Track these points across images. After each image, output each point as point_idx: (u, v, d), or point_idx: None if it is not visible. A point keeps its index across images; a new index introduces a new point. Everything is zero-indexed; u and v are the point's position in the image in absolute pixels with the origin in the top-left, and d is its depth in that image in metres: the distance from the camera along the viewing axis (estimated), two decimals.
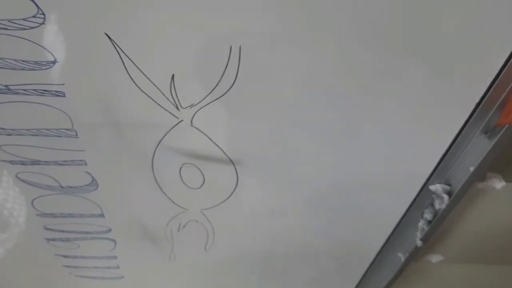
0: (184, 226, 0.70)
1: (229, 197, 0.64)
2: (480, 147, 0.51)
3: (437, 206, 0.59)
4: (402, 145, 0.54)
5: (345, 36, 0.43)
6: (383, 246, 0.70)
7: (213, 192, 0.64)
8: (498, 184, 0.62)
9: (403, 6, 0.41)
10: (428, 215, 0.61)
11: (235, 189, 0.62)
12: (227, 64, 0.46)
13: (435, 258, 0.78)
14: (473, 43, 0.43)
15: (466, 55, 0.44)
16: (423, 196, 0.60)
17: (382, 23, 0.42)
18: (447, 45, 0.43)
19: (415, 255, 0.68)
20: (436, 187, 0.58)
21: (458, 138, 0.52)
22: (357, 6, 0.41)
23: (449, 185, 0.58)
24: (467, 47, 0.43)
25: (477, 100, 0.48)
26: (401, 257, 0.70)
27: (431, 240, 0.65)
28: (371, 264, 0.75)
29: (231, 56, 0.45)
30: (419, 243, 0.64)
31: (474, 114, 0.49)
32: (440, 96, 0.48)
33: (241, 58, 0.45)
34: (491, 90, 0.46)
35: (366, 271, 0.78)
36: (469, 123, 0.50)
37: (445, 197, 0.57)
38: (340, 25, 0.42)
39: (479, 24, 0.42)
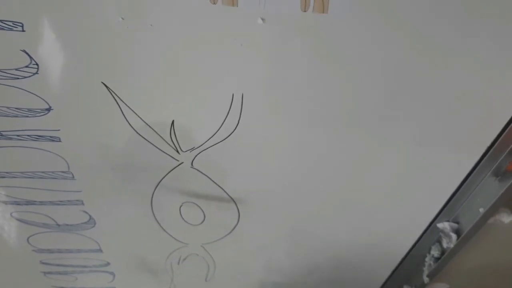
0: (185, 259, 0.69)
1: (230, 232, 0.62)
2: (490, 189, 0.50)
3: (444, 244, 0.57)
4: (411, 183, 0.52)
5: (353, 81, 0.42)
6: (388, 280, 0.69)
7: (214, 228, 0.62)
8: (506, 218, 0.60)
9: (418, 52, 0.39)
10: (435, 252, 0.59)
11: (236, 225, 0.61)
12: (228, 111, 0.44)
13: (441, 287, 0.76)
14: (486, 87, 0.41)
15: (479, 99, 0.42)
16: (430, 232, 0.59)
17: (395, 67, 0.40)
18: (461, 88, 0.42)
19: None
20: (444, 225, 0.56)
21: (468, 180, 0.50)
22: (364, 54, 0.39)
23: (457, 223, 0.56)
24: (480, 91, 0.42)
25: (488, 143, 0.46)
26: None
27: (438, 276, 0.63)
28: None
29: (233, 102, 0.43)
30: (425, 279, 0.62)
31: (485, 158, 0.47)
32: (452, 138, 0.46)
33: (243, 105, 0.43)
34: (503, 135, 0.44)
35: None
36: (479, 165, 0.48)
37: (453, 236, 0.55)
38: (346, 68, 0.41)
39: (493, 69, 0.40)
